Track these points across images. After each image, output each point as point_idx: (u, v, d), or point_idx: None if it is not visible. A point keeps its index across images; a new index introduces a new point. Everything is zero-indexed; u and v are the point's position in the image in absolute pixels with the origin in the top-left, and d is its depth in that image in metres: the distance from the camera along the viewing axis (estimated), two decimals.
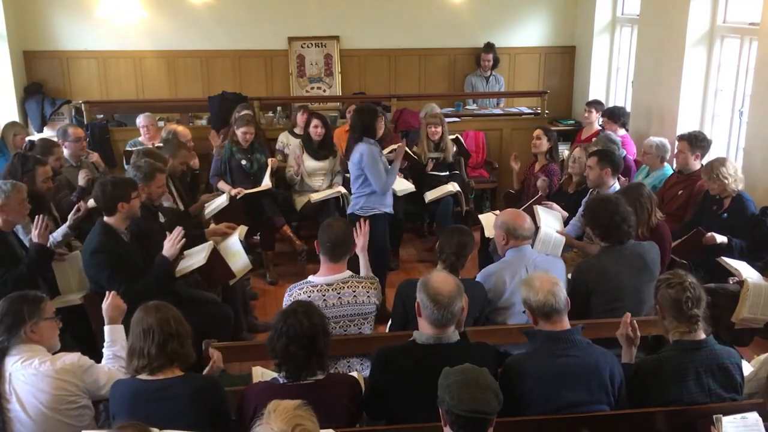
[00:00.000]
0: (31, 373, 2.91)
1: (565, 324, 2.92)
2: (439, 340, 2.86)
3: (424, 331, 2.89)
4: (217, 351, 3.23)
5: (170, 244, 4.09)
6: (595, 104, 7.35)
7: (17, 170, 4.74)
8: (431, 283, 2.87)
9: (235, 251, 4.65)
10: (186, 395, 2.74)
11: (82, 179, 5.23)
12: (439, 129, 6.39)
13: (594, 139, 6.25)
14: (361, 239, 3.95)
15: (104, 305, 3.34)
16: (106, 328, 3.32)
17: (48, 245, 4.21)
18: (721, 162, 4.87)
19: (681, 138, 5.48)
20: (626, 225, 3.86)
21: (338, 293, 3.46)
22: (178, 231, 4.12)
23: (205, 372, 3.11)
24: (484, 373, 2.39)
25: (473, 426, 2.30)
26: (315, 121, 6.27)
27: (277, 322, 2.80)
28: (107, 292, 3.41)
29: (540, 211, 4.71)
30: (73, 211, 4.63)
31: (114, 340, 3.27)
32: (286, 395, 2.28)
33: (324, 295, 3.43)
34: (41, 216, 4.17)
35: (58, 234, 4.58)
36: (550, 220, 4.65)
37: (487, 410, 2.29)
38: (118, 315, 3.35)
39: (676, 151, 5.53)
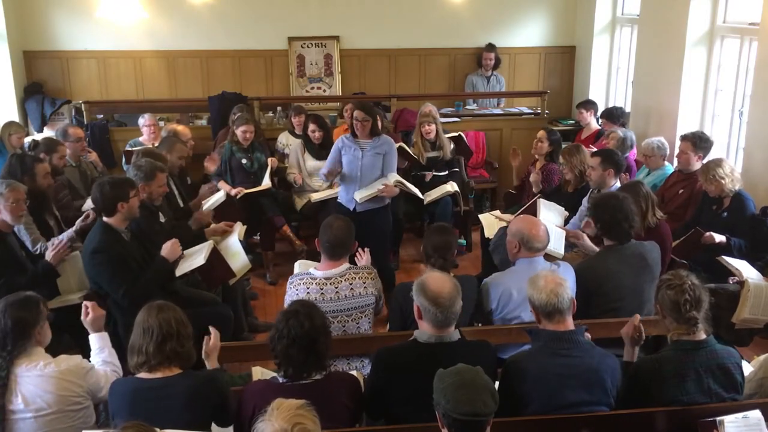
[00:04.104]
0: (37, 375, 2.93)
1: (569, 324, 2.91)
2: (440, 339, 2.86)
3: (426, 330, 2.89)
4: (216, 331, 3.20)
5: (171, 248, 4.12)
6: (586, 104, 7.35)
7: (16, 170, 4.74)
8: (430, 287, 2.86)
9: (235, 251, 4.66)
10: (185, 393, 2.75)
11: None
12: (433, 127, 6.37)
13: (610, 134, 6.24)
14: (362, 263, 3.88)
15: (85, 319, 3.30)
16: (92, 337, 3.31)
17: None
18: (717, 163, 4.87)
19: (685, 138, 5.47)
20: (627, 223, 3.86)
21: (336, 287, 3.49)
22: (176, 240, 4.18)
23: (203, 349, 3.11)
24: (479, 372, 2.38)
25: (471, 428, 2.29)
26: (312, 126, 6.27)
27: (278, 322, 2.80)
28: (83, 306, 3.33)
29: (542, 205, 4.72)
30: (81, 218, 4.62)
31: (101, 347, 3.29)
32: (285, 395, 2.28)
33: (322, 289, 3.47)
34: (63, 241, 4.24)
35: (63, 237, 4.58)
36: (551, 216, 4.65)
37: (484, 412, 2.28)
38: (100, 323, 3.34)
39: (678, 150, 5.51)
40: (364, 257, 3.89)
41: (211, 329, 3.19)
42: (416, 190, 5.64)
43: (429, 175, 6.33)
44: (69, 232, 4.60)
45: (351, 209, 5.26)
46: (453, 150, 6.54)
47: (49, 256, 4.22)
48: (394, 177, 5.30)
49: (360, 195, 5.21)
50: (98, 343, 3.29)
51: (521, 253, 3.70)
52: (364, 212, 5.23)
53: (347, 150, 5.26)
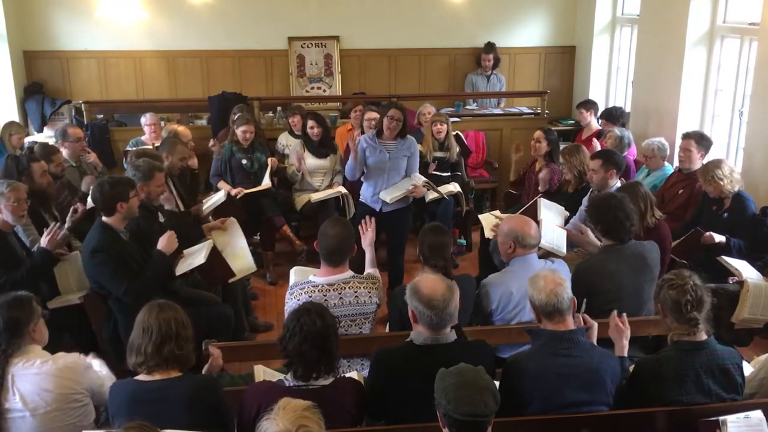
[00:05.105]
0: (34, 373, 2.94)
1: (569, 324, 2.91)
2: (436, 340, 2.86)
3: (421, 332, 2.89)
4: (218, 349, 3.23)
5: (167, 240, 4.13)
6: (586, 104, 7.34)
7: (12, 171, 4.75)
8: (423, 290, 2.85)
9: (243, 254, 4.72)
10: (183, 396, 2.75)
11: (85, 185, 5.23)
12: (444, 128, 6.38)
13: (608, 134, 6.23)
14: (368, 234, 3.95)
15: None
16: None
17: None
18: (716, 164, 4.86)
19: (688, 136, 5.45)
20: (629, 222, 3.86)
21: (339, 293, 3.45)
22: (172, 233, 4.22)
23: (204, 370, 3.13)
24: (481, 373, 2.38)
25: (471, 428, 2.28)
26: (311, 123, 6.27)
27: (289, 321, 2.79)
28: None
29: (542, 205, 4.71)
30: (70, 213, 4.63)
31: None
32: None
33: (325, 295, 3.42)
34: (56, 224, 4.26)
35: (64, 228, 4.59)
36: (551, 216, 4.65)
37: (484, 412, 2.27)
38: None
39: (681, 150, 5.46)
40: (369, 229, 3.91)
41: (212, 349, 3.21)
42: (442, 192, 5.80)
43: (432, 166, 6.32)
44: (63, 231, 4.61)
45: (377, 210, 5.27)
46: (459, 153, 6.55)
47: (44, 242, 4.21)
48: (421, 178, 5.38)
49: (390, 196, 5.24)
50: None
51: (516, 252, 3.72)
52: (389, 212, 5.28)
53: (372, 151, 5.24)
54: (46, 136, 7.36)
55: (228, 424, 2.85)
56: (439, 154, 6.39)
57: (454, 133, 6.69)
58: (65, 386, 2.95)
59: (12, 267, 4.12)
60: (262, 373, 3.24)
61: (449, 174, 6.43)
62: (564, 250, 4.29)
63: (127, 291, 3.89)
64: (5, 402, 2.92)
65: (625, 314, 3.22)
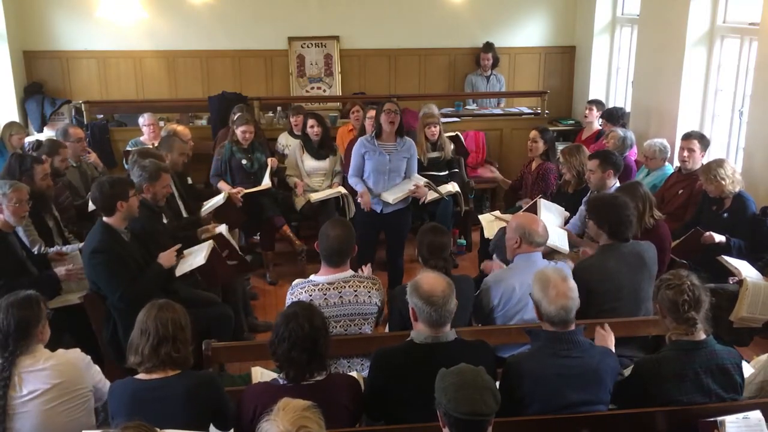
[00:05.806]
0: (40, 368, 2.95)
1: (569, 325, 2.91)
2: (437, 339, 2.86)
3: (421, 331, 2.89)
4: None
5: (167, 256, 4.13)
6: (596, 103, 7.37)
7: (15, 170, 4.74)
8: (423, 287, 2.86)
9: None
10: (183, 393, 2.76)
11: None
12: (437, 129, 6.38)
13: (609, 134, 6.23)
14: (365, 271, 3.89)
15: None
16: None
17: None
18: (718, 163, 4.87)
19: (691, 136, 5.45)
20: (634, 220, 3.89)
21: (339, 292, 3.46)
22: (176, 248, 4.21)
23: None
24: (481, 372, 2.38)
25: (471, 428, 2.29)
26: (311, 121, 6.28)
27: (278, 326, 2.79)
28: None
29: (542, 205, 4.72)
30: None
31: None
32: (286, 396, 2.28)
33: (325, 294, 3.43)
34: (76, 270, 4.26)
35: (68, 249, 4.60)
36: (551, 216, 4.65)
37: (484, 412, 2.28)
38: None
39: (684, 150, 5.45)
40: (366, 270, 3.88)
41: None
42: (442, 193, 5.79)
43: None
44: (75, 246, 4.61)
45: (378, 211, 5.25)
46: (453, 150, 6.54)
47: (61, 272, 4.23)
48: (421, 179, 5.36)
49: (392, 196, 5.20)
50: None
51: (521, 249, 3.72)
52: (390, 213, 5.26)
53: (371, 154, 5.19)
54: (47, 136, 7.35)
55: (229, 417, 2.86)
56: (433, 154, 6.39)
57: (453, 134, 6.69)
58: (70, 380, 2.98)
59: (12, 267, 4.12)
60: (260, 374, 3.25)
61: (446, 173, 6.42)
62: (567, 248, 4.30)
63: (121, 298, 3.89)
64: (11, 400, 2.93)
65: (607, 325, 3.29)
